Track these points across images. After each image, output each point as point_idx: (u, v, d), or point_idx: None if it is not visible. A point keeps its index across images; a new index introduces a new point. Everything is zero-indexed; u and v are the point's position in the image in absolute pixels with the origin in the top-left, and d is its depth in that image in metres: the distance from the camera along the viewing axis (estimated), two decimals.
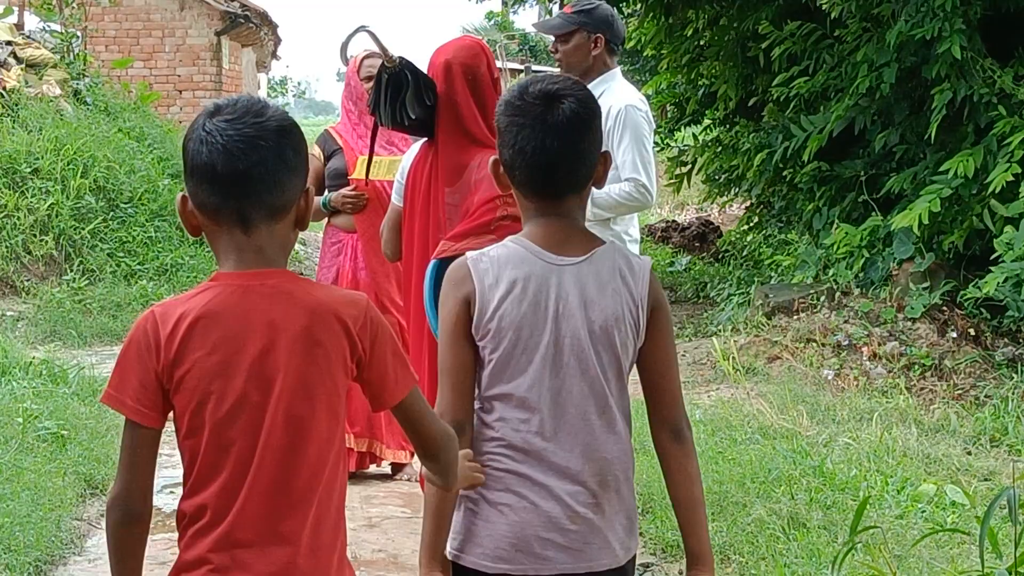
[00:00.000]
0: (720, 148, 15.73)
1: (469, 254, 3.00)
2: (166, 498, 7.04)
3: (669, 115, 17.74)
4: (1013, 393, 8.36)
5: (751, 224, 16.18)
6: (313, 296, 2.59)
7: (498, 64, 6.47)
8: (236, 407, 2.54)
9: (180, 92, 22.35)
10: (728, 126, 15.97)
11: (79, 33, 18.57)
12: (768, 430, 7.65)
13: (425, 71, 5.17)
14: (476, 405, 3.02)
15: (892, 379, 8.90)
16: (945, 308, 9.69)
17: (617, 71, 6.02)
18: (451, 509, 3.02)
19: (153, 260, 13.94)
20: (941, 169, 9.84)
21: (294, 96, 51.60)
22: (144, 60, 22.15)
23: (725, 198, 17.22)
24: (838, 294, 10.25)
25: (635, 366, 3.06)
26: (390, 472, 7.49)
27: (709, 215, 21.52)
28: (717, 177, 16.10)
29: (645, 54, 18.13)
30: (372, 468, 7.44)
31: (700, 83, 16.03)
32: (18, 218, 13.22)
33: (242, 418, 2.54)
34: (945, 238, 10.03)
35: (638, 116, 5.75)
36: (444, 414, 2.93)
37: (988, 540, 3.66)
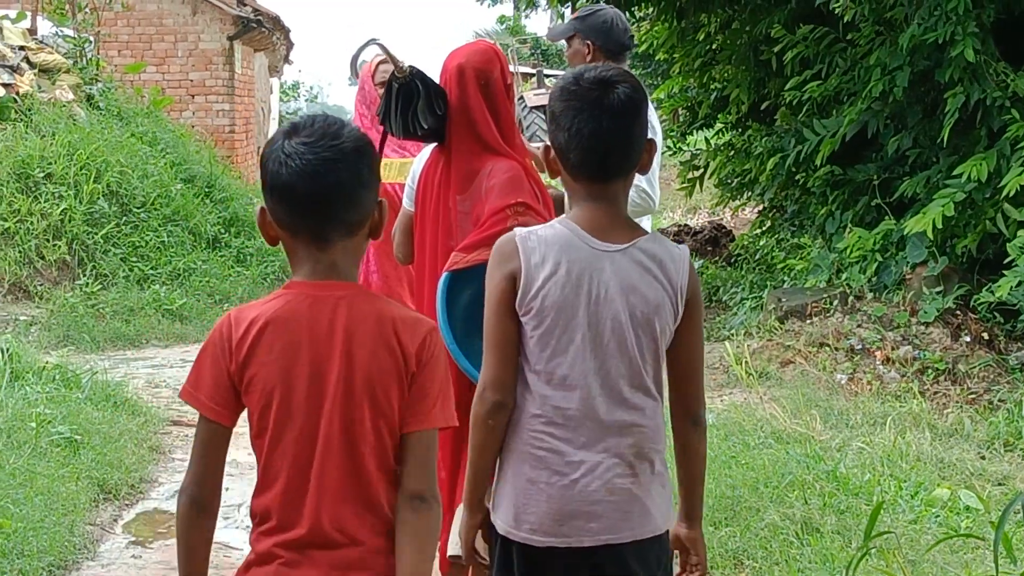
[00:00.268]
0: (732, 152, 15.71)
1: (518, 231, 3.14)
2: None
3: (681, 119, 17.73)
4: None
5: (764, 228, 16.16)
6: (377, 311, 2.72)
7: (510, 68, 6.47)
8: (296, 411, 2.68)
9: (192, 97, 22.36)
10: (740, 130, 15.95)
11: (92, 38, 18.59)
12: (781, 434, 7.63)
13: (437, 77, 5.16)
14: (519, 382, 3.15)
15: (905, 383, 8.88)
16: (958, 312, 9.66)
17: None
18: (490, 462, 3.18)
19: (166, 265, 13.95)
20: (954, 173, 9.81)
21: (306, 100, 51.53)
22: (156, 65, 22.16)
23: (738, 202, 17.19)
24: (851, 298, 10.22)
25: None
26: None
27: (721, 219, 21.48)
28: (729, 181, 16.07)
29: (657, 58, 18.13)
30: None
31: (712, 87, 16.02)
32: (31, 223, 13.24)
33: (301, 422, 2.68)
34: (958, 242, 10.00)
35: None
36: (487, 387, 3.10)
37: (1003, 545, 3.65)
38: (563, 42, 6.26)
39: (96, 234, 13.67)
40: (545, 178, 4.68)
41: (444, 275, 4.65)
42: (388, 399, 2.69)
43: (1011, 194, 9.24)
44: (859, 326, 9.70)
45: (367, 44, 6.60)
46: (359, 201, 2.71)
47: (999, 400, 8.54)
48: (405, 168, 6.28)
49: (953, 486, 6.46)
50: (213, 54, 22.42)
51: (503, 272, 3.10)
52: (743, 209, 19.00)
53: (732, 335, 11.02)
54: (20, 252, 12.97)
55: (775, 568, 5.50)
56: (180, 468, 7.78)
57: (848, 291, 10.36)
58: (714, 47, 15.37)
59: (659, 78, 21.76)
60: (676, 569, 3.34)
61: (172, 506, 7.02)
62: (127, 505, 6.99)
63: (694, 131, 17.54)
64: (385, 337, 2.69)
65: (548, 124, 3.17)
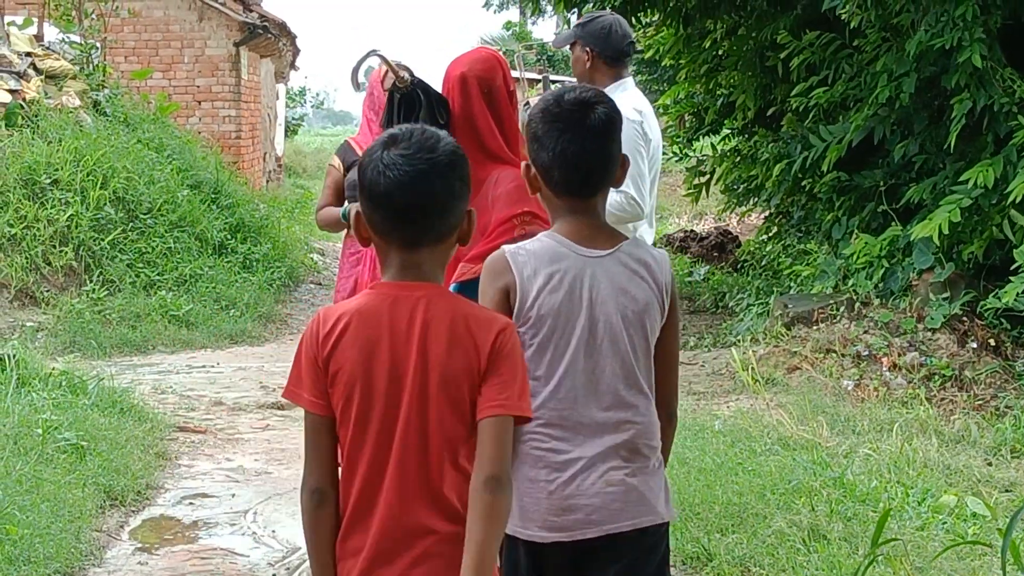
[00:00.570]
0: (739, 158, 15.71)
1: (506, 248, 3.27)
2: (184, 509, 7.05)
3: (688, 125, 17.72)
4: None
5: (770, 234, 16.16)
6: (453, 309, 2.87)
7: (516, 74, 6.47)
8: (375, 404, 2.83)
9: (199, 103, 22.38)
10: (747, 136, 15.95)
11: (98, 44, 18.61)
12: (788, 441, 7.63)
13: (439, 86, 5.16)
14: None
15: (912, 390, 8.88)
16: (965, 318, 9.66)
17: (627, 82, 6.04)
18: None
19: (172, 271, 13.96)
20: (961, 179, 9.81)
21: (312, 106, 51.59)
22: (163, 71, 22.18)
23: (744, 208, 17.19)
24: (858, 304, 10.22)
25: None
26: None
27: (728, 225, 21.50)
28: (736, 187, 16.08)
29: (664, 64, 18.13)
30: None
31: (719, 93, 16.03)
32: (38, 229, 13.25)
33: (380, 415, 2.83)
34: (965, 248, 9.99)
35: (629, 128, 5.74)
36: None
37: (1011, 552, 3.64)
38: (567, 48, 6.30)
39: (103, 240, 13.68)
40: None
41: (452, 286, 4.64)
42: (460, 394, 2.83)
43: (1017, 200, 9.23)
44: (866, 332, 9.70)
45: (367, 55, 6.60)
46: (451, 211, 2.88)
47: (1006, 406, 8.54)
48: None
49: (960, 493, 6.45)
50: (219, 60, 22.45)
51: (496, 287, 3.23)
52: (749, 215, 19.00)
53: (738, 341, 11.02)
54: (27, 258, 12.97)
55: (782, 575, 5.50)
56: (186, 474, 7.78)
57: (855, 297, 10.35)
58: (720, 53, 15.38)
59: (665, 84, 21.78)
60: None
61: (178, 512, 7.03)
62: (133, 511, 6.99)
63: (700, 137, 17.53)
64: (459, 334, 2.83)
65: (530, 144, 3.31)
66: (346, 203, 7.13)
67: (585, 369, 3.22)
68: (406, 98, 5.17)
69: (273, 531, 6.66)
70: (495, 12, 46.35)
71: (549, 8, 26.65)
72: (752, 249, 16.74)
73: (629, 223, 5.73)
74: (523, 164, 3.30)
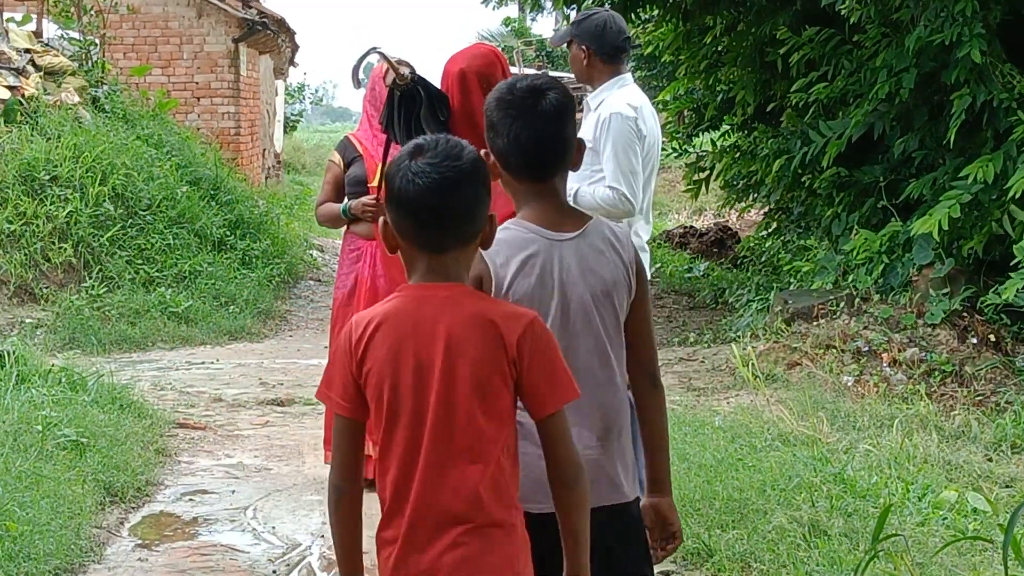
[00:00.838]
0: (738, 154, 15.71)
1: None
2: (184, 505, 7.05)
3: (687, 121, 17.72)
4: None
5: (770, 230, 16.16)
6: (478, 307, 3.01)
7: (515, 70, 6.46)
8: (404, 402, 2.96)
9: (198, 99, 22.34)
10: (746, 132, 15.95)
11: (97, 41, 18.58)
12: (788, 437, 7.63)
13: (438, 82, 5.16)
14: None
15: (912, 385, 8.88)
16: (965, 314, 9.65)
17: (626, 77, 6.03)
18: None
19: (171, 267, 13.96)
20: (960, 175, 9.80)
21: (311, 103, 51.58)
22: (162, 67, 22.14)
23: (743, 204, 17.20)
24: (858, 300, 10.21)
25: None
26: None
27: (727, 221, 21.51)
28: (735, 183, 16.08)
29: (663, 60, 18.12)
30: None
31: (718, 89, 16.02)
32: (37, 225, 13.24)
33: (409, 412, 2.96)
34: (965, 244, 9.99)
35: (622, 124, 5.77)
36: None
37: (1012, 548, 3.64)
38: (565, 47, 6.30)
39: (102, 236, 13.68)
40: None
41: None
42: (490, 389, 2.96)
43: (1017, 195, 9.23)
44: (866, 328, 9.69)
45: (368, 53, 6.60)
46: (476, 216, 3.03)
47: (1006, 402, 8.54)
48: None
49: (961, 488, 6.44)
50: (218, 56, 22.42)
51: (476, 274, 3.26)
52: (749, 211, 19.02)
53: (738, 337, 11.02)
54: (26, 255, 12.97)
55: (783, 571, 5.49)
56: (186, 471, 7.78)
57: (855, 293, 10.35)
58: (720, 49, 15.37)
59: (665, 80, 21.78)
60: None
61: (178, 509, 7.03)
62: (133, 508, 6.98)
63: (700, 133, 17.53)
64: (485, 331, 2.96)
65: (487, 132, 3.43)
66: (346, 199, 7.13)
67: (561, 349, 3.21)
68: (406, 95, 5.17)
69: (273, 527, 6.65)
70: (494, 9, 46.26)
71: (548, 4, 26.68)
72: (752, 245, 16.75)
73: (622, 219, 5.74)
74: (482, 152, 3.34)
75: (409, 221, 3.01)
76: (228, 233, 15.56)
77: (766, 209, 16.88)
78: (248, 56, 23.33)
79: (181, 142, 17.67)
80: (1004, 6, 10.13)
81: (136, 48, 22.27)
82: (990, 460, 7.35)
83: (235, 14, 22.47)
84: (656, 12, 15.87)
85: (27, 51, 16.18)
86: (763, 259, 15.58)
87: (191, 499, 7.18)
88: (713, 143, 16.98)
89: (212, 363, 11.42)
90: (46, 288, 12.90)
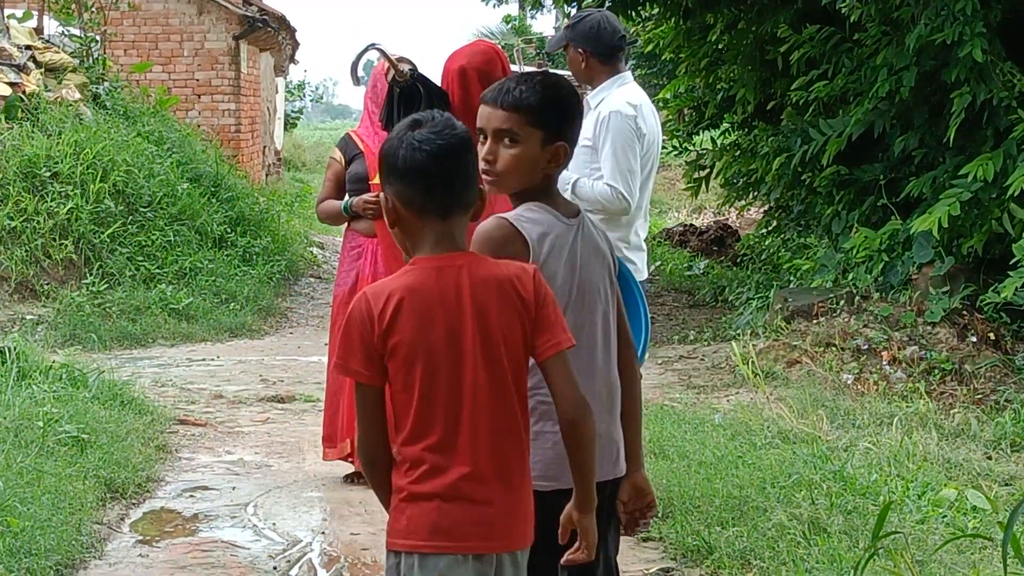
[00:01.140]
0: (738, 152, 15.72)
1: (507, 215, 3.47)
2: (185, 502, 7.05)
3: (687, 119, 17.72)
4: None
5: (770, 228, 16.17)
6: (494, 271, 3.16)
7: (515, 68, 6.47)
8: (439, 370, 3.09)
9: (199, 96, 22.34)
10: (746, 130, 15.96)
11: (98, 37, 18.59)
12: (788, 435, 7.64)
13: (439, 79, 5.16)
14: None
15: (912, 383, 8.89)
16: (965, 312, 9.66)
17: (625, 76, 6.06)
18: None
19: (172, 264, 13.96)
20: (960, 173, 9.81)
21: (311, 100, 51.56)
22: (163, 64, 22.14)
23: (743, 202, 17.20)
24: (857, 298, 10.22)
25: None
26: None
27: (727, 219, 21.51)
28: (735, 181, 16.08)
29: (663, 58, 18.12)
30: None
31: (718, 87, 16.02)
32: (38, 222, 13.25)
33: (446, 379, 3.09)
34: (964, 242, 10.00)
35: (622, 122, 5.80)
36: None
37: (1011, 546, 3.65)
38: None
39: (102, 233, 13.68)
40: None
41: None
42: (517, 343, 3.13)
43: (1017, 194, 9.24)
44: (865, 326, 9.70)
45: (366, 49, 6.60)
46: (472, 182, 3.19)
47: (1005, 400, 8.54)
48: None
49: (960, 486, 6.45)
50: (219, 54, 22.42)
51: (508, 253, 3.33)
52: (749, 209, 19.02)
53: (738, 335, 11.02)
54: (27, 251, 12.98)
55: (782, 568, 5.50)
56: (187, 467, 7.79)
57: (854, 291, 10.35)
58: (720, 47, 15.38)
59: (665, 78, 21.76)
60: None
61: (179, 505, 7.03)
62: (134, 504, 6.99)
63: (700, 131, 17.52)
64: (506, 292, 3.12)
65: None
66: (347, 196, 7.13)
67: (576, 327, 3.34)
68: (406, 92, 5.17)
69: (274, 524, 6.66)
70: (494, 7, 46.21)
71: (548, 2, 26.68)
72: (752, 243, 16.75)
73: (619, 217, 5.76)
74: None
75: (418, 187, 3.14)
76: (229, 230, 15.57)
77: (766, 207, 16.88)
78: (249, 53, 23.34)
79: (182, 139, 17.67)
80: (1004, 5, 10.14)
81: (137, 45, 22.27)
82: (989, 458, 7.35)
83: (236, 11, 22.47)
84: (656, 10, 15.88)
85: (28, 48, 16.17)
86: (763, 257, 15.58)
87: (192, 495, 7.18)
88: (713, 141, 16.98)
89: (213, 360, 11.43)
90: (47, 284, 12.91)
